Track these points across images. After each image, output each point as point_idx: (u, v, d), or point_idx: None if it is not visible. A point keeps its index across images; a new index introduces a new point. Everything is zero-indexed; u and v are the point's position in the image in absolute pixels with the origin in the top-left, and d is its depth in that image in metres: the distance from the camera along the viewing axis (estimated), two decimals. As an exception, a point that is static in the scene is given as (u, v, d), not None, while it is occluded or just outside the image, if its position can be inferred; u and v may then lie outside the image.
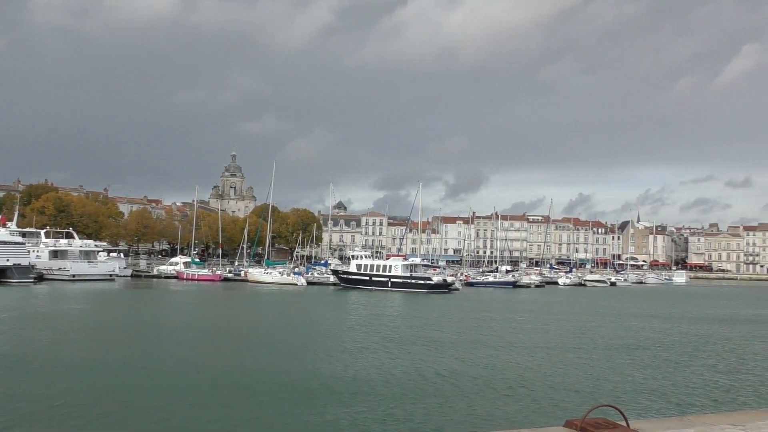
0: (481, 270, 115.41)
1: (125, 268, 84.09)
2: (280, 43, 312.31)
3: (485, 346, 28.12)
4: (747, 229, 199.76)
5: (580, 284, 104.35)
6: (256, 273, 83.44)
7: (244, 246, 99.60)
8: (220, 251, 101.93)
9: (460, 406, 16.35)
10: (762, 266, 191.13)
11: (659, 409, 15.86)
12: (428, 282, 72.93)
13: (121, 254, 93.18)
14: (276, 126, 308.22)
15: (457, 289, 76.63)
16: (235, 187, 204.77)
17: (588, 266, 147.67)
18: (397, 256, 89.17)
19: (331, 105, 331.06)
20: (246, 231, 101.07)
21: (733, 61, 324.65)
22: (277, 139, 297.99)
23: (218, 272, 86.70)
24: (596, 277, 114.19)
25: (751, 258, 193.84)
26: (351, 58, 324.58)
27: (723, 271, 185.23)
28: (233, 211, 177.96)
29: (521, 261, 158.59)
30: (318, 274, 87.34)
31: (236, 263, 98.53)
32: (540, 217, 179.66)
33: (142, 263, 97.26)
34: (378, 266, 76.13)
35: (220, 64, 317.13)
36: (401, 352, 25.93)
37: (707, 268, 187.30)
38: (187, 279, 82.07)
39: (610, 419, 7.94)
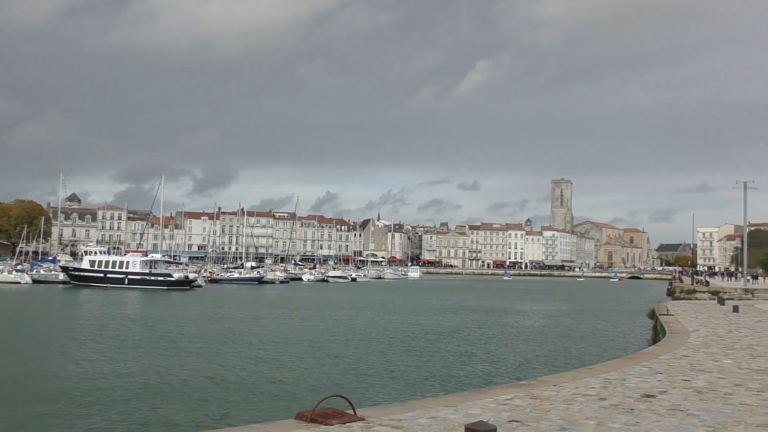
0: (225, 266, 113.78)
1: None
2: (12, 18, 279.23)
3: (222, 344, 27.65)
4: (472, 228, 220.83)
5: (324, 280, 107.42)
6: (-32, 271, 74.07)
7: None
8: None
9: (190, 405, 15.84)
10: (483, 262, 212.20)
11: (386, 396, 16.75)
12: (168, 279, 70.21)
13: None
14: (2, 108, 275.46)
15: (200, 286, 74.88)
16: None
17: (331, 262, 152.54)
18: (137, 251, 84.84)
19: (71, 89, 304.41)
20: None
21: (468, 75, 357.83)
22: (4, 122, 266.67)
23: None
24: (338, 273, 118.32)
25: (474, 254, 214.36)
26: (96, 41, 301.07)
27: (451, 266, 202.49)
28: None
29: (267, 257, 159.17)
30: (45, 271, 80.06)
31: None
32: (286, 214, 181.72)
33: None
34: (114, 262, 71.73)
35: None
36: (130, 353, 24.56)
37: (438, 264, 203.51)
38: None
39: (340, 409, 8.17)
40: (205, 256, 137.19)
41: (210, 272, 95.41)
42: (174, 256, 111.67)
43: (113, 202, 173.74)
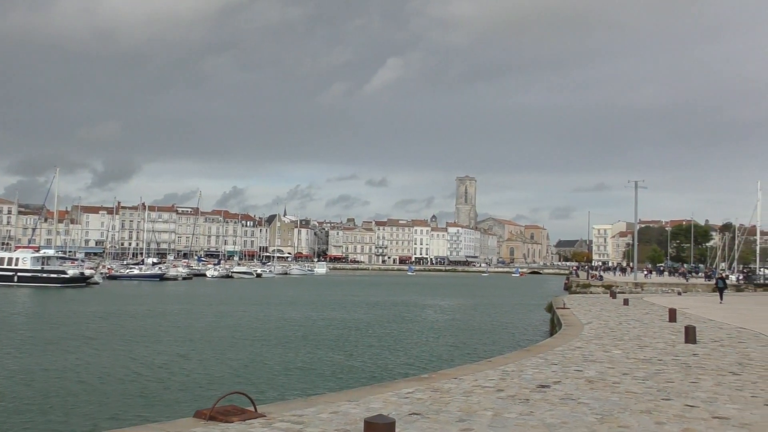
0: (125, 262, 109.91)
1: None
2: None
3: (119, 342, 26.72)
4: (378, 224, 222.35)
5: (228, 276, 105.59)
6: None
7: None
8: None
9: (86, 406, 15.23)
10: (389, 257, 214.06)
11: (289, 392, 16.64)
12: (62, 276, 67.20)
13: None
14: None
15: (97, 283, 72.05)
16: None
17: (236, 258, 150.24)
18: (28, 247, 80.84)
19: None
20: None
21: (379, 72, 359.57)
22: None
23: None
24: (243, 269, 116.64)
25: (380, 250, 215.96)
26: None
27: (357, 262, 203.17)
28: None
29: (169, 253, 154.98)
30: None
31: None
32: (190, 209, 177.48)
33: None
34: (2, 259, 68.05)
35: None
36: (20, 354, 23.38)
37: (344, 260, 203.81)
38: None
39: (240, 406, 8.07)
40: (104, 251, 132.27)
41: (108, 268, 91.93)
42: (69, 251, 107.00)
43: (3, 196, 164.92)
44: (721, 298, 36.45)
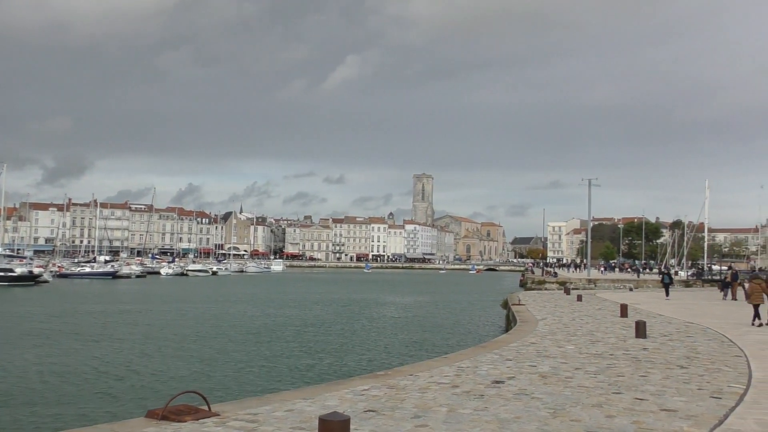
0: (76, 260, 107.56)
1: None
2: None
3: (70, 342, 26.17)
4: (336, 221, 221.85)
5: (183, 274, 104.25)
6: None
7: None
8: None
9: (37, 407, 14.88)
10: (346, 255, 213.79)
11: (244, 391, 16.50)
12: (10, 274, 65.52)
13: None
14: None
15: (47, 281, 70.42)
16: None
17: (191, 256, 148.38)
18: (-25, 245, 78.74)
19: None
20: None
21: (338, 69, 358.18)
22: None
23: None
24: (198, 266, 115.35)
25: (338, 247, 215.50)
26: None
27: (314, 259, 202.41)
28: None
29: (122, 251, 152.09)
30: None
31: None
32: (143, 206, 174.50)
33: None
34: (-54, 257, 66.17)
35: None
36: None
37: (301, 257, 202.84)
38: None
39: (194, 405, 7.96)
40: (54, 249, 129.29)
41: (59, 267, 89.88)
42: (18, 249, 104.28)
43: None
44: (667, 293, 37.20)
